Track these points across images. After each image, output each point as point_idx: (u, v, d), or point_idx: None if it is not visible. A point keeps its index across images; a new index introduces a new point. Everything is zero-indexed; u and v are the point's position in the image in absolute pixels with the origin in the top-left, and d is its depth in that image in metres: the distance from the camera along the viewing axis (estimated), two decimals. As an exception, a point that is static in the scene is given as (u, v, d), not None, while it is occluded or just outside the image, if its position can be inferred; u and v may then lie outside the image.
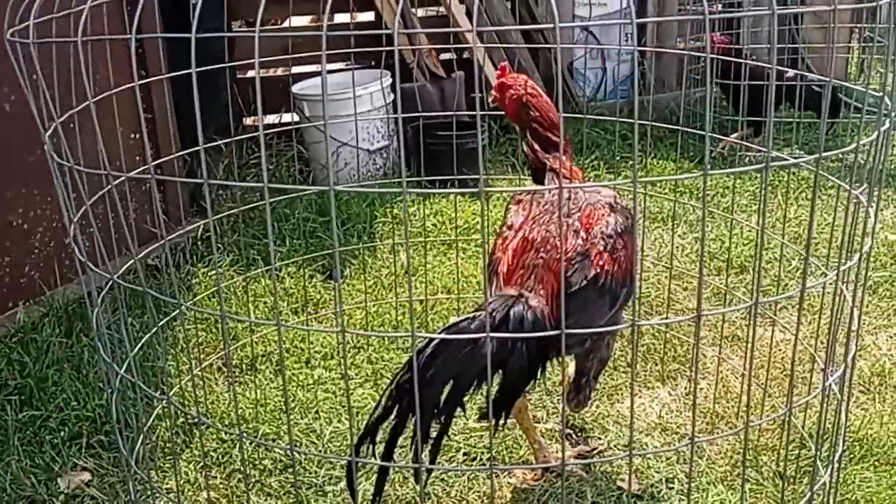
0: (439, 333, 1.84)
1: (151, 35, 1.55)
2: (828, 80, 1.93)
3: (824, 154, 1.48)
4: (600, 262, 1.92)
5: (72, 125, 1.66)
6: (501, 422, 1.90)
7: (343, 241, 3.58)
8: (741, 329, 2.89)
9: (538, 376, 1.92)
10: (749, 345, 1.98)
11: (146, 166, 1.34)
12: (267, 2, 1.46)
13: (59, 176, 1.64)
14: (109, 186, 1.50)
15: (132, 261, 1.67)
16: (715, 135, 4.64)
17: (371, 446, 1.75)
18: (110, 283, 1.73)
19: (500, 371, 1.84)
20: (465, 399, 1.78)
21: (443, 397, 1.75)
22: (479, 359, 1.72)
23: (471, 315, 1.81)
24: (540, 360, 1.89)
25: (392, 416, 1.73)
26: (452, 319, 1.86)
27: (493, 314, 1.82)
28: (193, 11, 1.23)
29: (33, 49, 1.50)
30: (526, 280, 1.96)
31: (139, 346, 2.13)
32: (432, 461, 1.79)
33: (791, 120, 4.54)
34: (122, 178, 1.48)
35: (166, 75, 2.37)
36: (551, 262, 1.94)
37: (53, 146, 1.63)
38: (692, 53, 4.58)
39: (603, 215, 1.99)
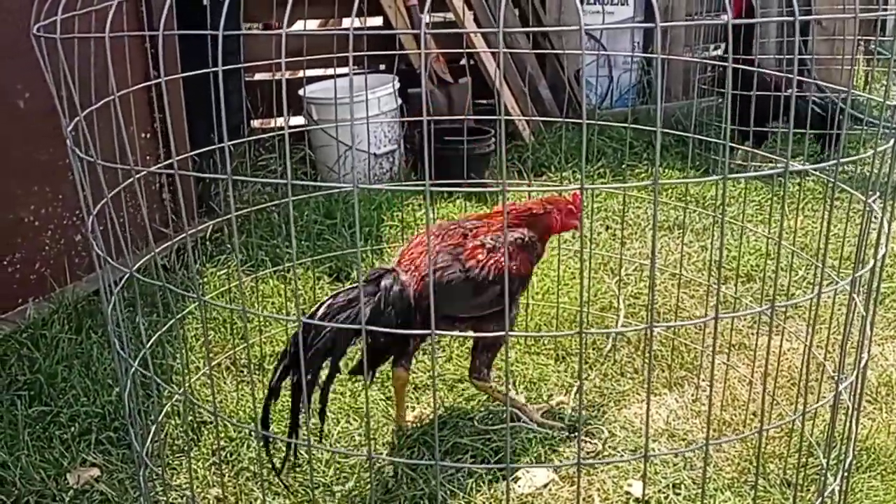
0: (326, 299, 2.17)
1: (173, 32, 1.56)
2: (846, 90, 1.94)
3: (841, 160, 1.49)
4: (471, 256, 2.28)
5: (86, 122, 1.67)
6: (370, 377, 2.35)
7: (350, 243, 3.59)
8: (748, 338, 2.90)
9: (402, 342, 2.30)
10: (765, 349, 1.99)
11: (169, 161, 1.35)
12: (279, 5, 1.48)
13: (79, 170, 1.65)
14: (131, 179, 1.51)
15: (149, 256, 1.68)
16: (732, 144, 4.64)
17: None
18: (126, 277, 1.73)
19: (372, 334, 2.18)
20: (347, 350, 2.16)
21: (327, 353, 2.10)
22: (355, 319, 2.10)
23: (351, 287, 2.23)
24: (404, 325, 2.22)
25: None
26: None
27: (369, 278, 2.23)
28: (209, 12, 1.25)
29: (59, 45, 1.51)
30: (407, 265, 2.32)
31: (153, 339, 2.14)
32: (324, 407, 2.18)
33: (801, 131, 4.55)
34: (144, 173, 1.49)
35: (182, 74, 2.38)
36: (424, 256, 2.28)
37: (74, 140, 1.64)
38: (708, 62, 4.59)
39: (493, 231, 2.34)
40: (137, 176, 1.54)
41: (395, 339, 2.26)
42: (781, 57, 5.23)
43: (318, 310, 2.14)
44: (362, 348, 2.18)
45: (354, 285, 2.22)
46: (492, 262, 2.28)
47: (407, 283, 2.24)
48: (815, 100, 4.43)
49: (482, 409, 2.56)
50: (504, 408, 2.50)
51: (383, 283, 2.20)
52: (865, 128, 4.16)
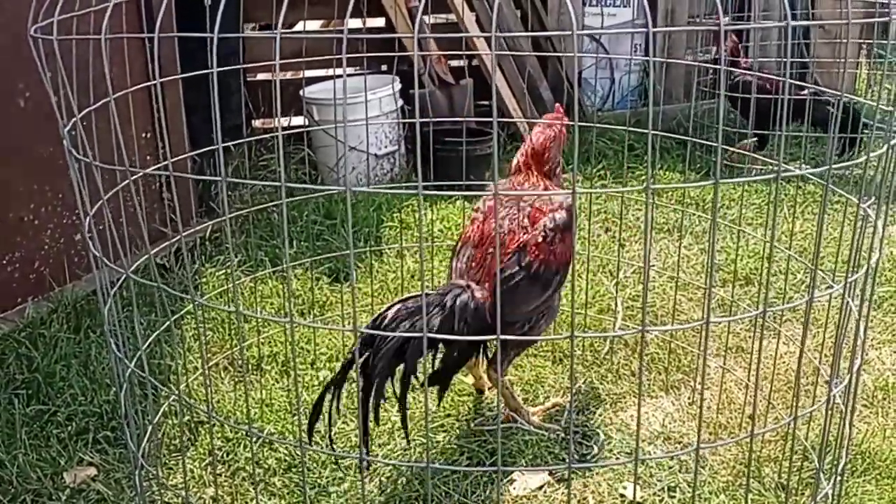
0: (396, 303, 2.07)
1: (170, 34, 1.57)
2: (840, 94, 1.94)
3: (834, 166, 1.49)
4: (536, 252, 2.22)
5: (85, 123, 1.68)
6: (445, 388, 2.27)
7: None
8: (745, 341, 2.90)
9: (477, 353, 2.34)
10: (757, 353, 1.99)
11: (164, 163, 1.35)
12: (280, 5, 1.49)
13: (75, 171, 1.66)
14: (127, 181, 1.51)
15: (145, 256, 1.68)
16: (725, 146, 4.65)
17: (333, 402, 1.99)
18: (123, 278, 1.74)
19: (446, 346, 2.17)
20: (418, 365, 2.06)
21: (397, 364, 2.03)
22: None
23: (417, 295, 2.12)
24: (479, 339, 2.22)
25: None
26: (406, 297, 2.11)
27: (444, 299, 2.13)
28: (209, 13, 1.25)
29: (56, 45, 1.52)
30: (476, 272, 2.28)
31: (149, 341, 2.15)
32: (404, 414, 2.10)
33: (799, 134, 4.55)
34: (140, 174, 1.49)
35: (178, 76, 2.38)
36: (493, 261, 2.23)
37: (71, 141, 1.65)
38: (704, 65, 4.60)
39: (549, 211, 2.27)
40: (133, 177, 1.55)
41: (468, 352, 2.26)
42: (781, 60, 5.23)
43: (386, 311, 2.03)
44: (434, 357, 2.18)
45: (427, 292, 2.11)
46: (550, 255, 2.23)
47: (482, 299, 2.17)
48: (832, 102, 4.43)
49: (478, 411, 2.57)
50: (502, 409, 2.50)
51: (458, 300, 2.12)
52: (867, 132, 4.16)
